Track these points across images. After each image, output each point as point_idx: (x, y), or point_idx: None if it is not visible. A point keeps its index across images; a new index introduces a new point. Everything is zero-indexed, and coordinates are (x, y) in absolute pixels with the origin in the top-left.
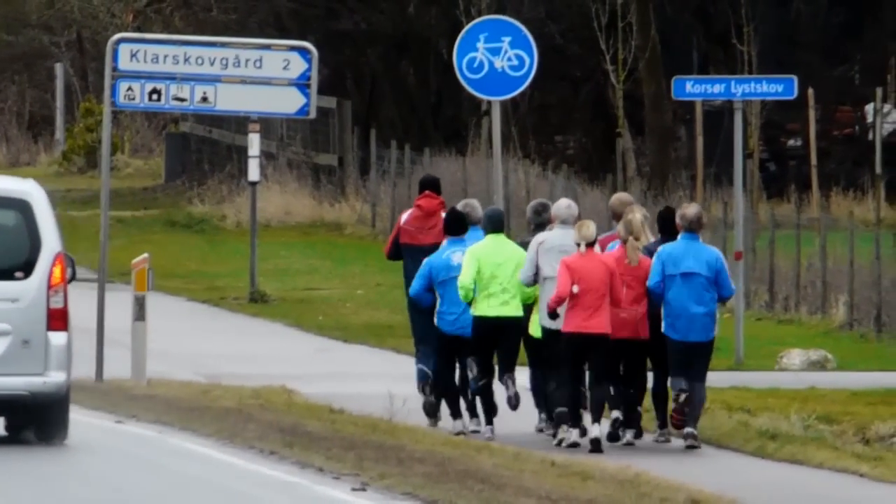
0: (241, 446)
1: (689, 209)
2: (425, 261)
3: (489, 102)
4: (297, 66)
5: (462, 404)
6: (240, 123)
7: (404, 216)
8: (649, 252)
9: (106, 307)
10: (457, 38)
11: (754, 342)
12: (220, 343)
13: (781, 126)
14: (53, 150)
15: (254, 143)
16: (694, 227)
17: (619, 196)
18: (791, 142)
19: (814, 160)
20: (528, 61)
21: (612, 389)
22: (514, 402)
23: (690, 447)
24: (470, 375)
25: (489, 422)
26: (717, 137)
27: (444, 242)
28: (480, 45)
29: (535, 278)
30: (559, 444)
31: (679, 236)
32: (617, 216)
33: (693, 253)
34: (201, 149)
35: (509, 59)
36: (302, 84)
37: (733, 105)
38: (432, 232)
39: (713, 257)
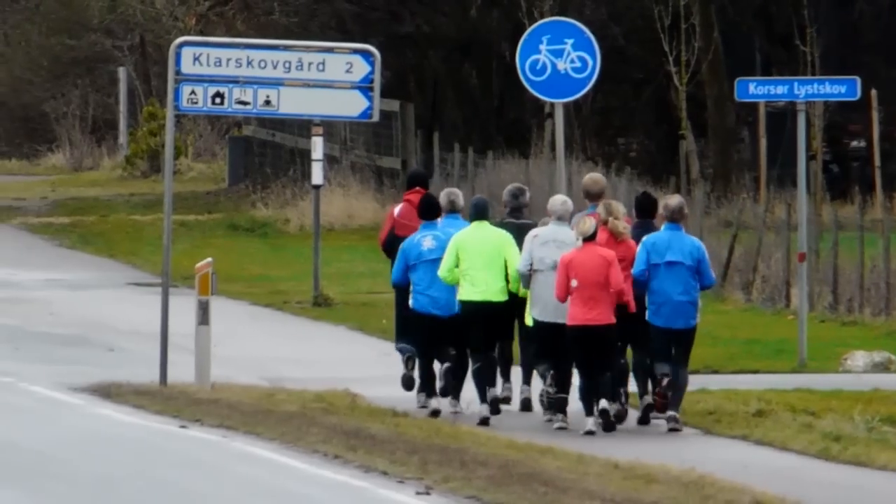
0: (305, 450)
1: (672, 200)
2: (401, 246)
3: (552, 105)
4: (360, 69)
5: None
6: (302, 127)
7: (396, 209)
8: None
9: (170, 311)
10: (519, 40)
11: (818, 344)
12: (284, 347)
13: (844, 127)
14: (117, 154)
15: (317, 146)
16: (676, 218)
17: (592, 175)
18: (854, 143)
19: (877, 161)
20: (590, 63)
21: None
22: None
23: (672, 430)
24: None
25: (484, 400)
26: (780, 139)
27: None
28: (543, 47)
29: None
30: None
31: (663, 226)
32: (590, 196)
33: (677, 243)
34: (264, 152)
35: (572, 62)
36: (364, 87)
37: (796, 106)
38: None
39: (695, 247)
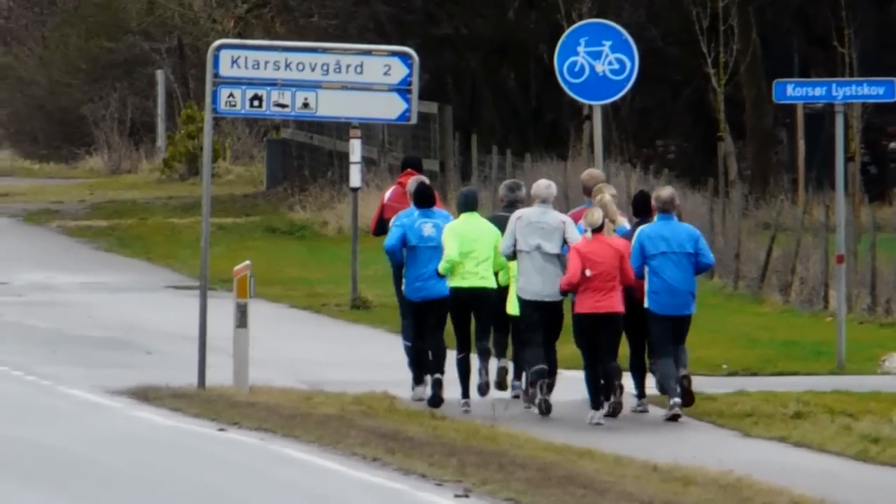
0: (344, 453)
1: (664, 191)
2: (398, 219)
3: (590, 107)
4: (398, 71)
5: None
6: (341, 129)
7: (387, 194)
8: (626, 236)
9: (208, 314)
10: (557, 42)
11: (856, 346)
12: (322, 350)
13: (882, 129)
14: (155, 157)
15: (355, 148)
16: (668, 208)
17: (591, 172)
18: (892, 145)
19: None
20: (628, 65)
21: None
22: (484, 391)
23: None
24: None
25: (465, 395)
26: (818, 141)
27: (415, 211)
28: (581, 49)
29: (514, 251)
30: (542, 409)
31: (655, 217)
32: (587, 191)
33: (671, 232)
34: (302, 155)
35: (610, 63)
36: (403, 89)
37: (834, 108)
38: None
39: (691, 233)
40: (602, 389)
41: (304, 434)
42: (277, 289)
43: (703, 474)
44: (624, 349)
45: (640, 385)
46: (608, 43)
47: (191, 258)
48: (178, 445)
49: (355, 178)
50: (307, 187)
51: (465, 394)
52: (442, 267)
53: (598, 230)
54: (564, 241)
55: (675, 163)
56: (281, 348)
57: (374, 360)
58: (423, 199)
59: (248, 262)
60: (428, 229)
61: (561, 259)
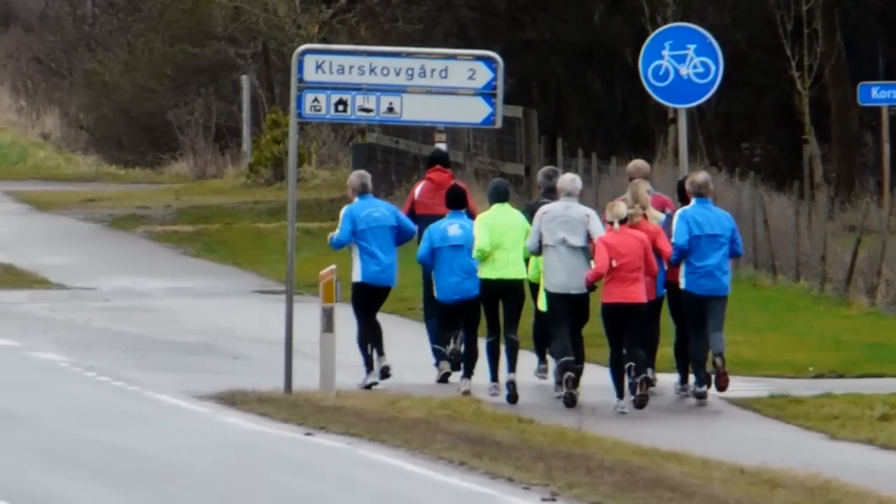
0: (431, 457)
1: (698, 176)
2: (428, 228)
3: (675, 110)
4: (483, 75)
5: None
6: (426, 134)
7: (417, 189)
8: (665, 226)
9: (294, 319)
10: (642, 46)
11: None
12: (408, 354)
13: None
14: (240, 162)
15: None
16: (703, 192)
17: (636, 163)
18: None
19: None
20: (713, 68)
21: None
22: (513, 395)
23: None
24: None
25: (494, 378)
26: None
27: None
28: (666, 52)
29: (540, 246)
30: (566, 402)
31: (693, 201)
32: (632, 179)
33: (711, 216)
34: (388, 159)
35: (694, 67)
36: (487, 94)
37: None
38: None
39: (728, 219)
40: (627, 379)
41: (390, 438)
42: None
43: (790, 477)
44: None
45: (683, 370)
46: (693, 46)
47: (277, 263)
48: (266, 450)
49: None
50: (393, 191)
51: (494, 377)
52: (474, 254)
53: (622, 222)
54: (589, 236)
55: (760, 166)
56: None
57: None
58: (453, 201)
59: (334, 266)
60: (454, 230)
61: (586, 252)
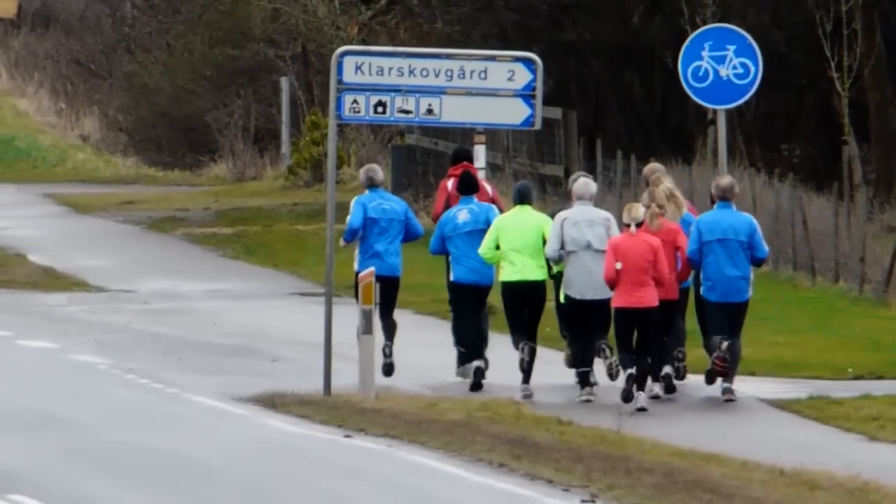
0: (470, 459)
1: (723, 180)
2: (438, 220)
3: (714, 111)
4: (522, 76)
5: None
6: (465, 135)
7: (450, 184)
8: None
9: (333, 321)
10: (681, 46)
11: None
12: (447, 355)
13: None
14: (279, 164)
15: (479, 154)
16: (728, 196)
17: (651, 165)
18: None
19: None
20: (752, 69)
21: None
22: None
23: (728, 400)
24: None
25: (526, 380)
26: None
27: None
28: (705, 53)
29: (561, 253)
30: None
31: (715, 205)
32: (647, 182)
33: (728, 220)
34: (427, 161)
35: (734, 68)
36: (527, 95)
37: None
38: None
39: (747, 223)
40: (635, 381)
41: (430, 440)
42: (403, 294)
43: (829, 479)
44: None
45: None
46: (732, 47)
47: (316, 265)
48: (305, 452)
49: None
50: (432, 193)
51: (526, 379)
52: (480, 253)
53: (639, 225)
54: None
55: (799, 167)
56: (406, 354)
57: (500, 365)
58: (464, 186)
59: (372, 268)
60: (463, 216)
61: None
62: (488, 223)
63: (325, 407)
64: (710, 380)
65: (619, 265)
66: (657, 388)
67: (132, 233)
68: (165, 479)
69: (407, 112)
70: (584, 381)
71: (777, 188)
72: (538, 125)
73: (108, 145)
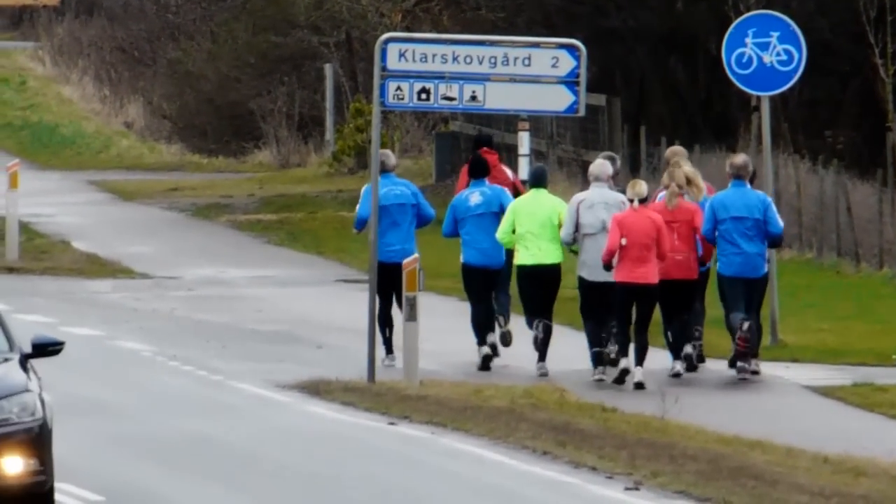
0: (514, 446)
1: (737, 158)
2: (451, 202)
3: (758, 98)
4: (566, 63)
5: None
6: (509, 122)
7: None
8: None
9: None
10: (725, 33)
11: None
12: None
13: None
14: (323, 150)
15: (523, 141)
16: (742, 174)
17: (674, 148)
18: None
19: None
20: (796, 56)
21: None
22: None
23: (743, 379)
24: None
25: (542, 358)
26: None
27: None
28: (749, 40)
29: (576, 236)
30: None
31: (729, 184)
32: (668, 165)
33: (742, 197)
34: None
35: (777, 55)
36: (570, 82)
37: None
38: (494, 180)
39: (760, 200)
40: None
41: (474, 427)
42: (447, 281)
43: (874, 465)
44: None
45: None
46: (776, 34)
47: (361, 252)
48: (350, 439)
49: (524, 170)
50: None
51: (542, 357)
52: (502, 242)
53: (642, 201)
54: None
55: (843, 153)
56: (450, 341)
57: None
58: (475, 169)
59: (416, 255)
60: (475, 198)
61: None
62: (501, 207)
63: (369, 394)
64: (733, 364)
65: (624, 241)
66: (678, 366)
67: (177, 220)
68: (213, 467)
69: (451, 99)
70: (598, 360)
71: (821, 175)
72: (582, 112)
73: (152, 132)
